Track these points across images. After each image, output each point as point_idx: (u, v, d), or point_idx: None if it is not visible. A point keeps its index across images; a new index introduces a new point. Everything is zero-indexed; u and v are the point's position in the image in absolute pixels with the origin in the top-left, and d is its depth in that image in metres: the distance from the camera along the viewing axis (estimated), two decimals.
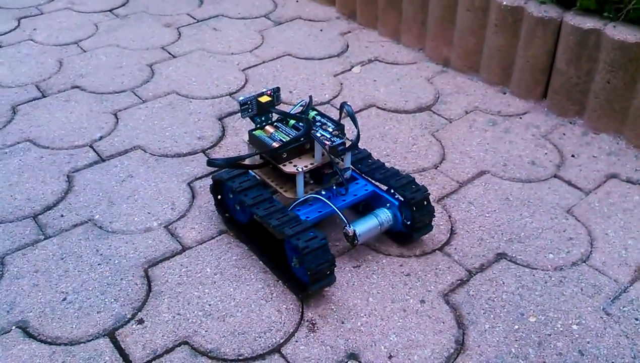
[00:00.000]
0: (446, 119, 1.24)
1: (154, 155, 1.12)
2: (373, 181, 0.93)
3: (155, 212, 0.99)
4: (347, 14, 1.66)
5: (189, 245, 0.93)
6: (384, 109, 1.27)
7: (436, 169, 1.10)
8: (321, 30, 1.60)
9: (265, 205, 0.86)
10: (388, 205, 0.90)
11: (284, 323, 0.80)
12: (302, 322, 0.81)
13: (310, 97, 0.96)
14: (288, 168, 0.86)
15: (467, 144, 1.16)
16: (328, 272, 0.81)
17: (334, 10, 1.70)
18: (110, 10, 1.70)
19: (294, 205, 0.88)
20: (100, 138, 1.16)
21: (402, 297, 0.84)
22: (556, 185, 1.05)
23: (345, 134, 0.90)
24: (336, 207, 0.86)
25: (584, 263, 0.89)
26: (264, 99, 0.91)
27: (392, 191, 0.90)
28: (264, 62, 1.45)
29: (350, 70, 1.42)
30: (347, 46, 1.53)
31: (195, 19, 1.65)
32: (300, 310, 0.82)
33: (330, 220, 0.94)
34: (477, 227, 0.96)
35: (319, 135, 0.88)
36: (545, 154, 1.13)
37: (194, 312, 0.82)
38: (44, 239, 0.93)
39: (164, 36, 1.55)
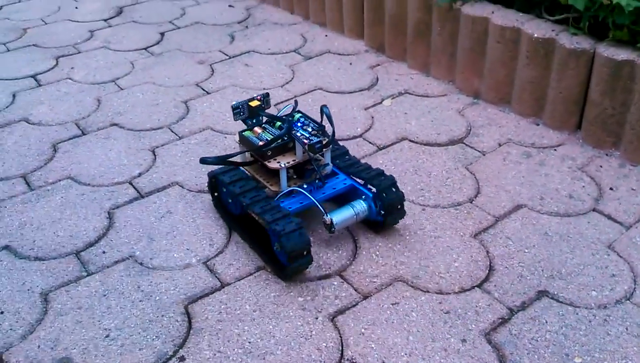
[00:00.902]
0: (479, 151, 1.24)
1: (191, 191, 1.14)
2: (352, 176, 1.03)
3: (194, 249, 1.00)
4: (375, 47, 1.69)
5: (228, 281, 0.94)
6: (416, 142, 1.28)
7: (471, 203, 1.10)
8: (350, 63, 1.62)
9: (251, 194, 0.96)
10: (363, 197, 1.00)
11: (324, 361, 0.80)
12: (342, 360, 0.80)
13: (296, 100, 1.09)
14: (272, 164, 0.96)
15: (502, 177, 1.16)
16: (305, 253, 0.90)
17: (363, 43, 1.72)
18: (145, 48, 1.75)
19: (277, 197, 0.98)
20: (139, 174, 1.19)
21: (443, 335, 0.83)
22: (595, 219, 1.03)
23: (324, 134, 0.98)
24: (315, 199, 0.96)
25: (628, 301, 0.87)
26: (254, 103, 1.03)
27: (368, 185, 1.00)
28: (295, 96, 1.47)
29: (380, 103, 1.44)
30: (377, 79, 1.54)
31: (227, 55, 1.69)
32: (340, 348, 0.82)
33: (320, 214, 0.96)
34: (516, 263, 0.95)
35: (299, 134, 0.98)
36: (583, 186, 1.11)
37: (234, 350, 0.82)
38: (87, 276, 0.95)
39: (197, 73, 1.59)
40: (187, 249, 1.00)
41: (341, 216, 0.96)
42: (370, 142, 1.29)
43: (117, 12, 2.02)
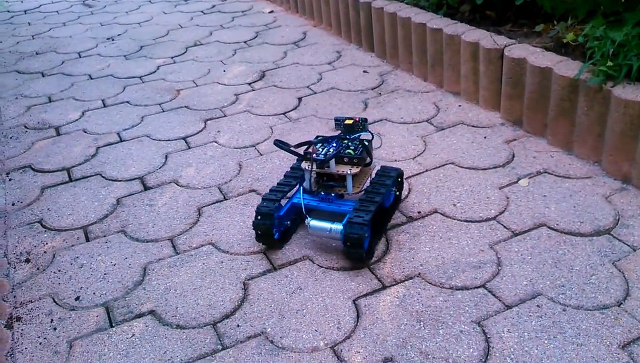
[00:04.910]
0: (629, 246, 1.14)
1: (321, 267, 1.17)
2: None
3: (322, 330, 1.01)
4: (512, 121, 1.63)
5: None
6: (556, 230, 1.21)
7: (619, 307, 1.00)
8: (485, 137, 1.59)
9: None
10: (343, 224, 1.15)
11: None
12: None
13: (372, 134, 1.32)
14: (303, 164, 1.24)
15: None
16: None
17: (498, 115, 1.68)
18: (284, 113, 1.84)
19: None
20: None
21: None
22: None
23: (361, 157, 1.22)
24: (326, 207, 1.24)
25: None
26: (349, 121, 1.31)
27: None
28: (427, 170, 1.46)
29: (517, 182, 1.38)
30: (513, 155, 1.49)
31: None
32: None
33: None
34: None
35: (322, 150, 1.24)
36: None
37: None
38: (222, 350, 1.00)
39: None
40: (316, 330, 1.01)
41: (319, 225, 1.16)
42: (505, 226, 1.24)
43: (260, 75, 2.16)
